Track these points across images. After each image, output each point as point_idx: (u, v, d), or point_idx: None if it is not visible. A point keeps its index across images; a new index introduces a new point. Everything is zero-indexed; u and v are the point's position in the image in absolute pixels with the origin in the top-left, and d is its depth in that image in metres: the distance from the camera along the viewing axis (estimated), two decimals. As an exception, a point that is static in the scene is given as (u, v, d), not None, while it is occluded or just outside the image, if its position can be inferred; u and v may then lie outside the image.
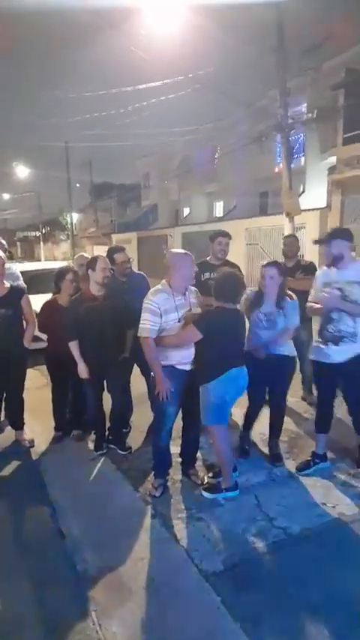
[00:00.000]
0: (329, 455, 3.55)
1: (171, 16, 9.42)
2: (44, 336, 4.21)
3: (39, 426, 4.46)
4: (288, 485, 3.31)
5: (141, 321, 3.04)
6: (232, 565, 2.52)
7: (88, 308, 3.63)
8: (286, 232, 9.89)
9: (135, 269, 4.32)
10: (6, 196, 39.68)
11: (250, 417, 3.74)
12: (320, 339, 3.29)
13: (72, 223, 29.72)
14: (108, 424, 4.00)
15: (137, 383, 4.12)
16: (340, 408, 3.58)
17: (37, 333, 4.14)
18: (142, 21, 9.61)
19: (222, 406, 3.08)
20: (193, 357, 3.13)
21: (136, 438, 4.11)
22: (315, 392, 4.60)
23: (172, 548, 2.70)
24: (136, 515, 3.01)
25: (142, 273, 4.40)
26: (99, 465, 3.73)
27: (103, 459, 3.81)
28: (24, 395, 4.20)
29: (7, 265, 4.08)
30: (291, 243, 4.91)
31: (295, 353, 3.59)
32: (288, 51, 10.05)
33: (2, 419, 4.41)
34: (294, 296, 3.44)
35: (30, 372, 4.45)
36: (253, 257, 13.85)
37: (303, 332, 4.24)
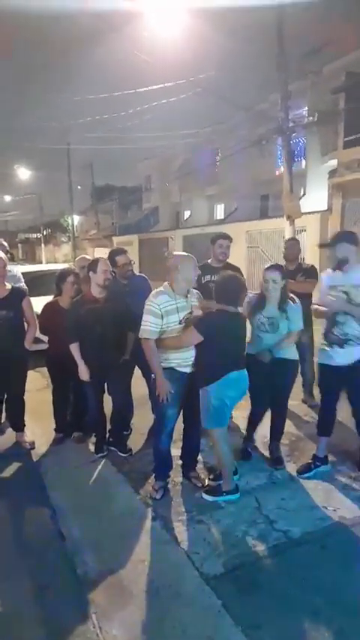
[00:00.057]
0: (330, 458, 3.54)
1: (173, 20, 9.46)
2: (45, 338, 4.21)
3: (39, 428, 4.46)
4: (289, 488, 3.30)
5: (142, 323, 3.04)
6: (232, 568, 2.51)
7: (89, 310, 3.63)
8: (287, 235, 9.89)
9: (136, 271, 4.32)
10: (7, 198, 39.80)
11: (254, 421, 3.73)
12: (326, 342, 3.30)
13: (73, 225, 29.76)
14: (109, 426, 4.00)
15: (138, 385, 4.12)
16: (341, 411, 3.57)
17: (38, 334, 4.14)
18: (145, 24, 9.66)
19: (222, 409, 3.08)
20: (193, 359, 3.13)
21: (136, 440, 4.11)
22: (316, 394, 4.62)
23: (172, 550, 2.69)
24: (137, 518, 3.01)
25: (144, 275, 4.40)
26: (99, 467, 3.73)
27: (103, 461, 3.80)
28: (25, 397, 4.20)
29: (8, 267, 4.09)
30: (292, 247, 4.92)
31: (297, 356, 3.59)
32: (288, 54, 10.09)
33: (3, 420, 4.41)
34: (297, 299, 3.44)
35: (31, 374, 4.46)
36: (254, 260, 13.88)
37: (303, 335, 4.25)
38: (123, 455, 3.84)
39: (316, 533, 2.78)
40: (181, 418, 3.35)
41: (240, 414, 4.12)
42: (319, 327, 3.65)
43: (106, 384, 3.91)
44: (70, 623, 2.23)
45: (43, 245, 37.40)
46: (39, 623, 2.26)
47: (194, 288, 3.26)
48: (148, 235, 22.34)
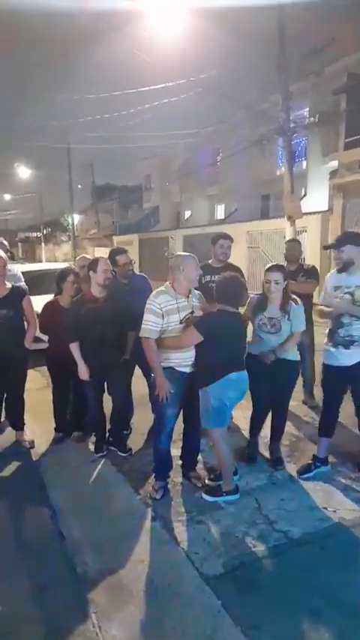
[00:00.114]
0: (330, 459, 3.54)
1: (173, 20, 9.47)
2: (45, 337, 4.21)
3: (39, 427, 4.45)
4: (289, 488, 3.30)
5: (143, 322, 3.05)
6: (232, 568, 2.51)
7: (89, 309, 3.63)
8: (288, 236, 9.89)
9: (136, 271, 4.32)
10: (7, 197, 39.80)
11: (257, 423, 3.71)
12: (331, 343, 3.29)
13: (73, 224, 29.77)
14: (108, 426, 4.00)
15: (138, 384, 4.11)
16: (341, 412, 3.57)
17: (38, 334, 4.14)
18: (145, 24, 9.66)
19: (221, 409, 3.07)
20: (193, 359, 3.13)
21: (136, 439, 4.11)
22: (316, 395, 4.62)
23: (172, 550, 2.69)
24: (137, 518, 3.01)
25: (144, 274, 4.40)
26: (99, 466, 3.73)
27: (103, 460, 3.80)
28: (24, 396, 4.20)
29: (8, 266, 4.09)
30: (293, 247, 4.91)
31: (299, 357, 3.59)
32: (289, 54, 10.10)
33: (3, 419, 4.41)
34: (299, 300, 3.43)
35: (31, 373, 4.45)
36: (255, 260, 13.89)
37: (304, 336, 4.24)
38: (123, 455, 3.84)
39: (316, 534, 2.78)
40: (181, 418, 3.35)
41: (240, 414, 4.12)
42: (319, 327, 3.64)
43: (106, 383, 3.90)
44: (69, 622, 2.23)
45: (43, 244, 37.40)
46: (39, 622, 2.26)
47: (195, 289, 3.26)
48: (148, 235, 22.36)
